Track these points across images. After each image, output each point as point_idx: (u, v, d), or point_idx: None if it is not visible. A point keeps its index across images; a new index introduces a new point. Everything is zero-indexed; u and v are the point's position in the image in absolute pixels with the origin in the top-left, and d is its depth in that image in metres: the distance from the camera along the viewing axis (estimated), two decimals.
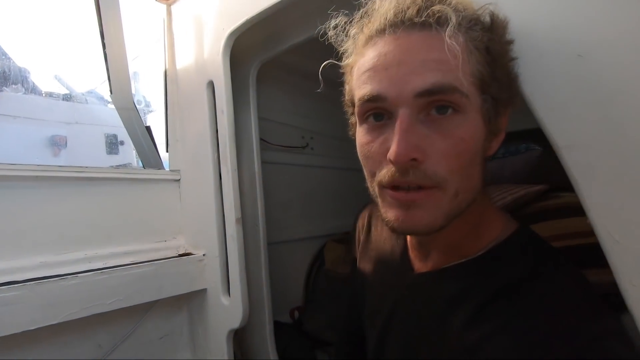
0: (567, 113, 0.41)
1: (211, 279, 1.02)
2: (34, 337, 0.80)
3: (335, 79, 0.54)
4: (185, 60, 1.10)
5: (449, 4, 0.38)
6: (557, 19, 0.42)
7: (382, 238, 0.64)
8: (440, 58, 0.37)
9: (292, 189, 1.41)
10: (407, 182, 0.39)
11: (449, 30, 0.36)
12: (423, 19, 0.38)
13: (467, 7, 0.40)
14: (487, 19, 0.40)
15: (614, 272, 0.39)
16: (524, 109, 0.45)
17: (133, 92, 1.26)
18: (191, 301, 1.09)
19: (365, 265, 0.65)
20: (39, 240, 0.86)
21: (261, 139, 1.14)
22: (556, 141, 0.42)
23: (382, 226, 0.64)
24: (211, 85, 0.98)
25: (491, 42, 0.39)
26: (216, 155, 0.99)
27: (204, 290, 1.04)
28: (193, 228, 1.09)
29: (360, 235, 0.69)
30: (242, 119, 1.08)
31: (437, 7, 0.37)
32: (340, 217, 1.58)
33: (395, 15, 0.39)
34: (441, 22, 0.37)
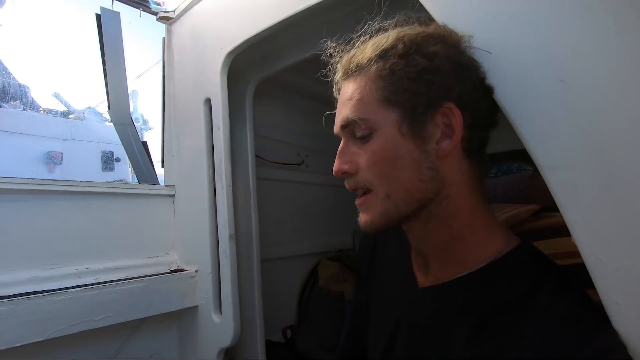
0: (550, 135, 0.42)
1: (203, 296, 1.01)
2: (19, 354, 0.78)
3: (331, 98, 0.57)
4: (183, 77, 1.12)
5: (364, 51, 0.49)
6: (540, 46, 0.44)
7: (389, 257, 0.64)
8: (351, 97, 0.49)
9: (286, 206, 1.41)
10: (350, 187, 0.52)
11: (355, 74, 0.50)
12: (349, 70, 0.51)
13: (381, 45, 0.48)
14: (400, 47, 0.47)
15: (599, 291, 0.39)
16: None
17: (131, 110, 1.28)
18: (182, 318, 1.07)
19: (371, 284, 0.66)
20: (30, 254, 0.85)
21: (256, 156, 1.15)
22: (540, 162, 0.43)
23: (391, 245, 0.65)
24: (208, 102, 1.00)
25: (395, 65, 0.46)
26: (211, 171, 0.99)
27: (195, 308, 1.02)
28: (186, 244, 1.08)
29: (366, 255, 0.69)
30: (238, 136, 1.09)
31: (354, 59, 0.50)
32: (334, 234, 1.58)
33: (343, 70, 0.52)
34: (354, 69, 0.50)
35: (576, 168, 0.40)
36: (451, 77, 0.45)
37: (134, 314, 0.91)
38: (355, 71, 0.50)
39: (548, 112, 0.42)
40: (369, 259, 0.67)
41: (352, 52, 0.51)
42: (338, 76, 0.53)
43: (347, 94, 0.50)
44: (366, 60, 0.48)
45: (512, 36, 0.46)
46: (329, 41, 0.55)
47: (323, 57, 0.56)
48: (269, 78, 1.08)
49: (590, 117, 0.40)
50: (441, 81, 0.45)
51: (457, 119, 0.45)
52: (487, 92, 0.48)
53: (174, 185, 1.13)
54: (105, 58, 1.07)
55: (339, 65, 0.53)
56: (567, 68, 0.42)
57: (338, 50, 0.54)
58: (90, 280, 0.89)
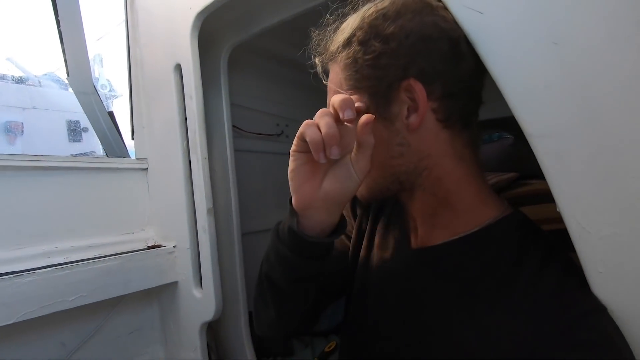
0: (541, 102, 0.40)
1: (182, 272, 0.98)
2: None
3: (311, 66, 0.55)
4: (150, 41, 1.03)
5: (334, 40, 0.51)
6: (532, 6, 0.41)
7: (391, 222, 0.64)
8: (330, 86, 0.53)
9: (266, 178, 1.38)
10: None
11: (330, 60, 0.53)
12: (327, 57, 0.53)
13: (346, 31, 0.49)
14: (359, 35, 0.47)
15: (581, 259, 0.39)
16: (498, 97, 0.45)
17: (97, 76, 1.18)
18: (162, 295, 1.05)
19: (372, 246, 0.65)
20: None
21: (234, 126, 1.10)
22: (529, 130, 0.41)
23: (397, 210, 0.64)
24: (179, 68, 0.93)
25: (356, 53, 0.48)
26: (185, 143, 0.94)
27: (175, 283, 1.00)
28: (163, 219, 1.05)
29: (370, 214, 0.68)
30: (213, 105, 1.04)
31: (330, 47, 0.52)
32: None
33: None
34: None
35: (567, 136, 0.39)
36: (411, 54, 0.45)
37: (111, 292, 0.88)
38: (330, 59, 0.52)
39: (539, 78, 0.41)
40: (371, 227, 0.67)
41: (330, 38, 0.53)
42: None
43: (330, 81, 0.53)
44: (335, 49, 0.50)
45: None
46: (313, 30, 0.54)
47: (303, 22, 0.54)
48: (245, 43, 1.01)
49: (584, 83, 0.38)
50: (399, 62, 0.45)
51: (419, 93, 0.45)
52: (462, 59, 0.46)
53: (146, 159, 1.07)
54: (59, 18, 0.96)
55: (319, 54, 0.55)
56: (561, 29, 0.39)
57: (320, 38, 0.54)
58: (60, 259, 0.85)
